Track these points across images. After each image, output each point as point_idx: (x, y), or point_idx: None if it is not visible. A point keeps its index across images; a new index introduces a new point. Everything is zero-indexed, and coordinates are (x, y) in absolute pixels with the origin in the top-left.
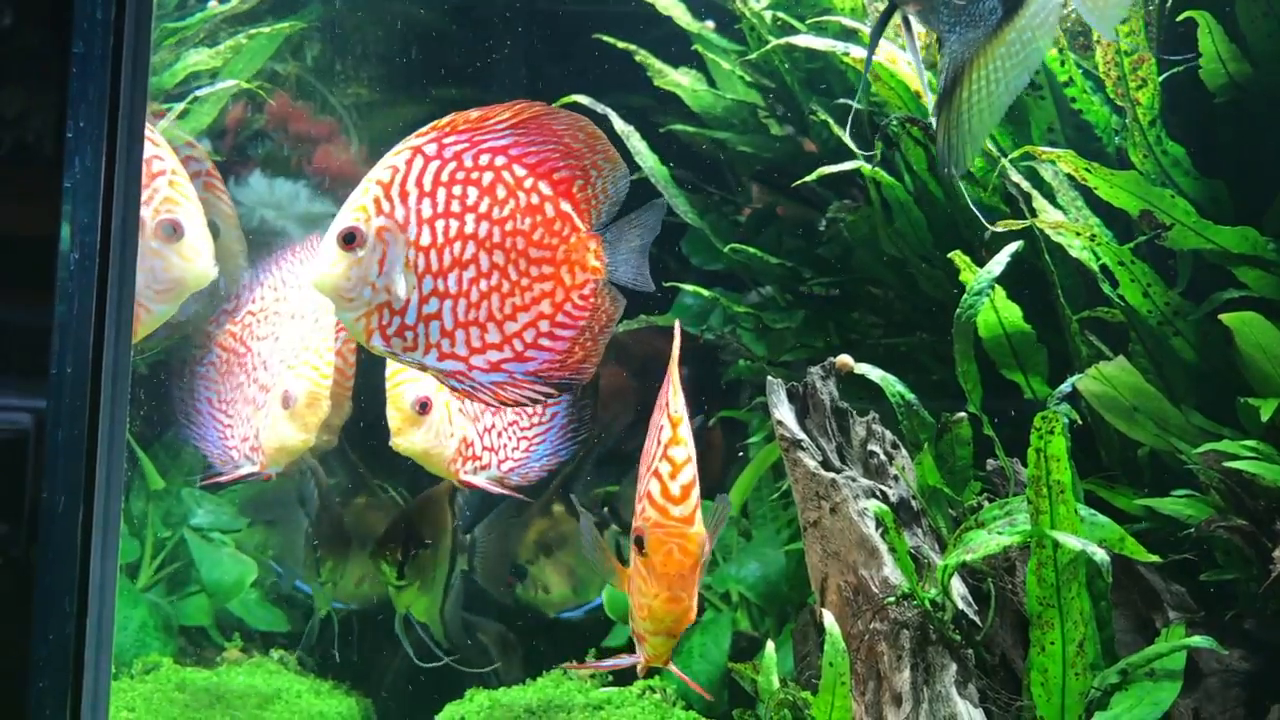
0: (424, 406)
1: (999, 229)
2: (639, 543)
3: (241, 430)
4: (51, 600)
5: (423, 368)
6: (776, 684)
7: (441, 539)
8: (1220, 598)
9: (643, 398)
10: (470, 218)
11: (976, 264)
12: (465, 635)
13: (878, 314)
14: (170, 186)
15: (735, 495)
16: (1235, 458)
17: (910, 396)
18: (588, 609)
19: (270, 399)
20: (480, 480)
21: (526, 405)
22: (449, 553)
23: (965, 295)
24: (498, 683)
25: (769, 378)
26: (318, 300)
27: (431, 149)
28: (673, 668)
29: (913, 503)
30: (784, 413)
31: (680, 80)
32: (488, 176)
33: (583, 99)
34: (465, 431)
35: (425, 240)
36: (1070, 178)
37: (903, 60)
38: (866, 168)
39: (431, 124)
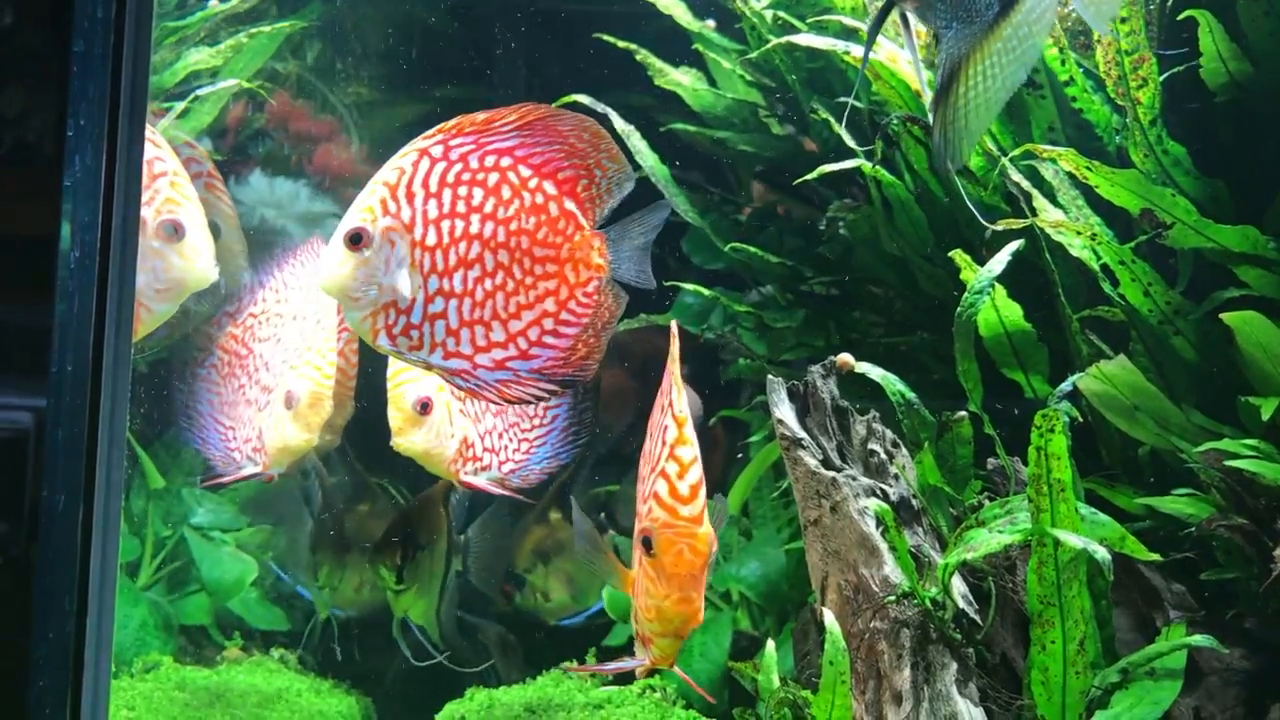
0: (425, 407)
1: (999, 228)
2: (646, 543)
3: (244, 432)
4: (51, 599)
5: (428, 367)
6: (777, 683)
7: (438, 541)
8: (1221, 597)
9: (642, 399)
10: (475, 218)
11: (977, 263)
12: (462, 636)
13: (878, 313)
14: (171, 187)
15: (736, 494)
16: (1236, 456)
17: (911, 395)
18: (588, 615)
19: (273, 399)
20: (481, 481)
21: (531, 403)
22: (445, 554)
23: (966, 294)
24: (497, 681)
25: (769, 376)
26: (319, 301)
27: (438, 151)
28: (677, 669)
29: (913, 501)
30: (784, 411)
31: (681, 79)
32: (493, 177)
33: (583, 98)
34: (466, 432)
35: (431, 240)
36: (1071, 176)
37: (904, 59)
38: (867, 166)
39: (438, 127)
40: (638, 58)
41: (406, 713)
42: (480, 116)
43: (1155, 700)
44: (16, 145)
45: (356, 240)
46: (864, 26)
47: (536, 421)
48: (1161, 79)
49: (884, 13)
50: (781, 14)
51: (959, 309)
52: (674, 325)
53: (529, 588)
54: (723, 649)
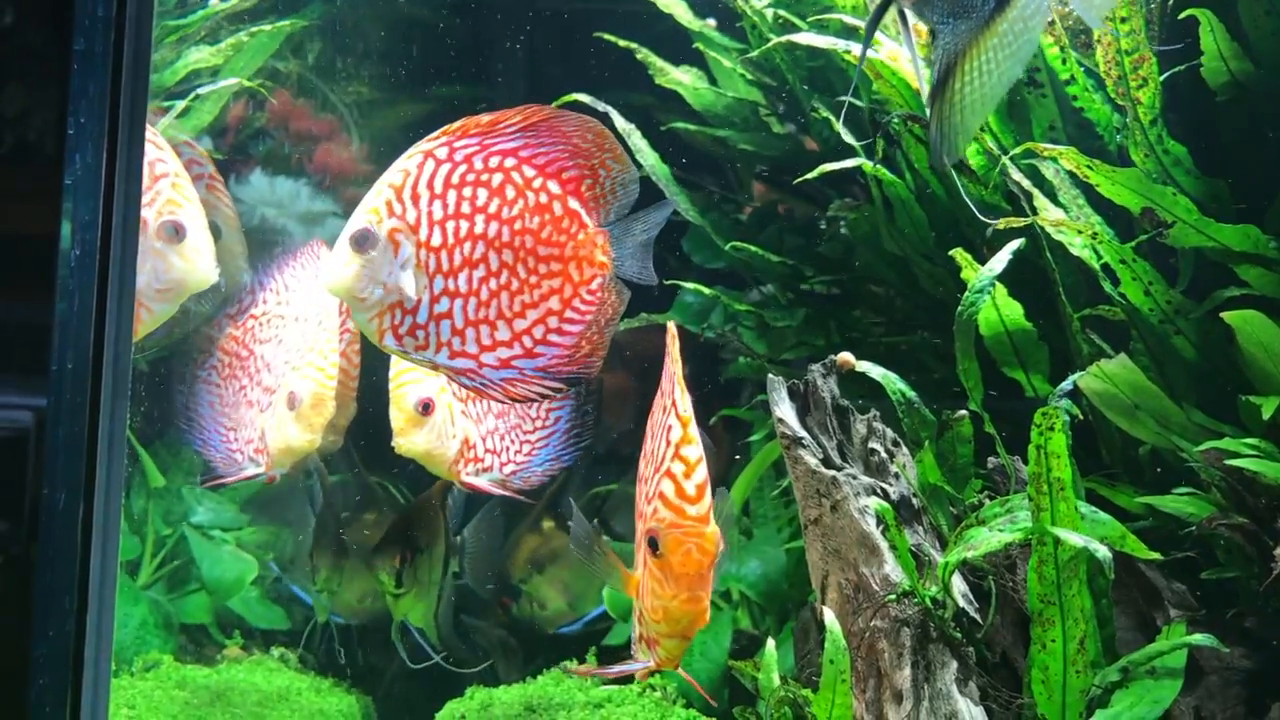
0: (426, 408)
1: (1000, 227)
2: (653, 544)
3: (245, 433)
4: (52, 597)
5: (434, 366)
6: (777, 681)
7: (436, 543)
8: (1221, 596)
9: (640, 401)
10: (480, 218)
11: (978, 262)
12: (460, 637)
13: (879, 312)
14: (173, 189)
15: (736, 493)
16: (1236, 455)
17: (911, 394)
18: (585, 621)
19: (276, 400)
20: (482, 482)
21: (536, 401)
22: (443, 556)
23: (966, 293)
24: (496, 682)
25: (770, 375)
26: (321, 302)
27: (442, 152)
28: (681, 671)
29: (914, 500)
30: (785, 410)
31: (681, 78)
32: (497, 178)
33: (583, 97)
34: (468, 433)
35: (436, 241)
36: (1072, 175)
37: (904, 58)
38: (868, 165)
39: (443, 129)
40: (638, 56)
41: (407, 712)
42: (485, 118)
43: (1155, 699)
44: (17, 143)
45: (362, 242)
46: (864, 25)
47: (539, 423)
48: (1162, 79)
49: (881, 9)
50: (782, 13)
51: (960, 308)
52: (671, 326)
53: (525, 597)
54: (723, 648)
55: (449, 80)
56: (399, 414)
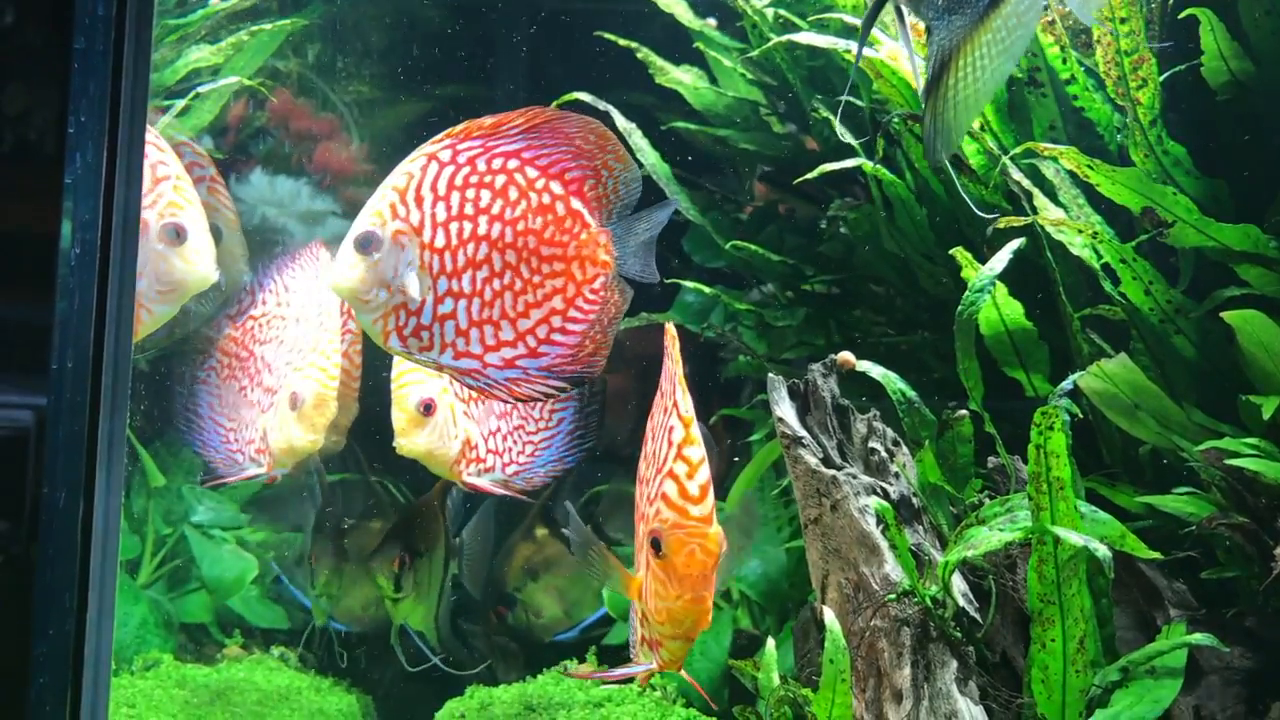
0: (428, 408)
1: (1000, 226)
2: (655, 545)
3: (246, 434)
4: (52, 596)
5: (439, 367)
6: (777, 681)
7: (435, 546)
8: (1221, 595)
9: (638, 401)
10: (483, 220)
11: (978, 261)
12: (459, 639)
13: (879, 311)
14: (174, 191)
15: (736, 492)
16: (1236, 455)
17: (911, 394)
18: (582, 628)
19: (278, 400)
20: (484, 483)
21: (540, 400)
22: (443, 559)
23: (967, 292)
24: (496, 683)
25: (770, 375)
26: (322, 303)
27: (446, 155)
28: (682, 671)
29: (914, 500)
30: (785, 410)
31: (682, 78)
32: (500, 179)
33: (584, 96)
34: (470, 434)
35: (440, 243)
36: (1072, 175)
37: (905, 58)
38: (868, 165)
39: (446, 131)
40: (639, 56)
41: (407, 711)
42: (487, 121)
43: (1155, 699)
44: (17, 143)
45: (367, 244)
46: (861, 23)
47: (542, 424)
48: (1162, 79)
49: (877, 6)
50: (782, 12)
51: (960, 307)
52: (669, 326)
53: (520, 606)
54: (723, 647)
55: (449, 79)
56: (401, 414)
